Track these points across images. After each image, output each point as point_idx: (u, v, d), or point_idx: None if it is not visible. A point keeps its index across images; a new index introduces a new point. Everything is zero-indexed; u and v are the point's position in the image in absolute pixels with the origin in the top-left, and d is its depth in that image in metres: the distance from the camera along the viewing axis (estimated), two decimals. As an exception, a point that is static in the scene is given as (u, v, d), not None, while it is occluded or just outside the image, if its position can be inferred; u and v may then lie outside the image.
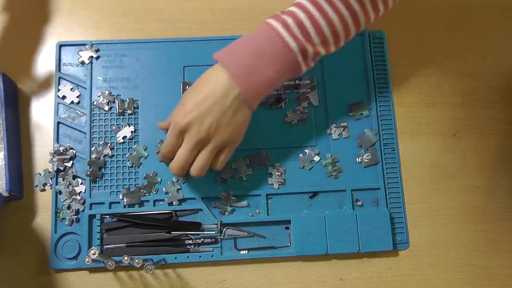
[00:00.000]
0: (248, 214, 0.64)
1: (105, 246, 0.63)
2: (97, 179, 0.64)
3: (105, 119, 0.66)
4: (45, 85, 0.68)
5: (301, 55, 0.56)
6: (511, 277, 0.65)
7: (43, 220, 0.64)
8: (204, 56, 0.68)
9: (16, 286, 0.62)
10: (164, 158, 0.62)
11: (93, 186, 0.64)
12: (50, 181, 0.64)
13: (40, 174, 0.65)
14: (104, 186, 0.65)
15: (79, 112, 0.66)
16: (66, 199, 0.63)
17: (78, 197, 0.63)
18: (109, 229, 0.63)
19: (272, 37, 0.56)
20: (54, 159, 0.64)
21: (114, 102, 0.67)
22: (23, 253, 0.63)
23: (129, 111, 0.67)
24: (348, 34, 0.57)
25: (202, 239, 0.63)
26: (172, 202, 0.64)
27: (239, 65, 0.56)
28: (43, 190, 0.64)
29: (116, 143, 0.66)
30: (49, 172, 0.64)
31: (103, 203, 0.64)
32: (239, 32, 0.70)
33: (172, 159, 0.60)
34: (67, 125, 0.66)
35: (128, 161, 0.65)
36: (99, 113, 0.66)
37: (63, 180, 0.64)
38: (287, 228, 0.65)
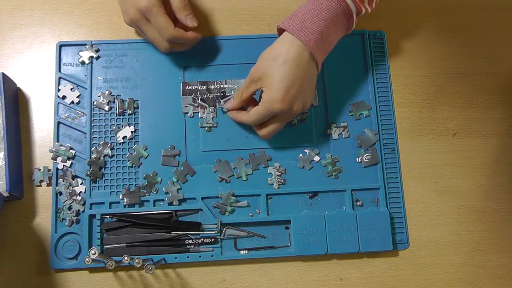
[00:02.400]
0: (248, 214, 0.64)
1: (105, 246, 0.63)
2: (97, 179, 0.64)
3: (105, 119, 0.66)
4: (45, 85, 0.68)
5: (355, 14, 0.61)
6: (511, 277, 0.65)
7: (43, 220, 0.64)
8: (204, 56, 0.69)
9: (16, 286, 0.62)
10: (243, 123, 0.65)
11: (93, 186, 0.64)
12: (48, 180, 0.64)
13: (39, 170, 0.65)
14: (104, 186, 0.65)
15: (79, 112, 0.66)
16: (67, 200, 0.63)
17: (79, 198, 0.63)
18: (109, 229, 0.63)
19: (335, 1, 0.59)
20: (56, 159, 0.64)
21: (114, 102, 0.67)
22: (23, 253, 0.63)
23: (129, 111, 0.67)
24: None
25: (202, 239, 0.63)
26: (172, 202, 0.64)
27: (310, 31, 0.59)
28: (39, 186, 0.65)
29: (116, 143, 0.66)
30: (48, 170, 0.64)
31: (103, 203, 0.64)
32: (239, 32, 0.71)
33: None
34: (67, 125, 0.66)
35: (128, 161, 0.65)
36: (99, 113, 0.66)
37: (63, 181, 0.64)
38: (287, 228, 0.65)
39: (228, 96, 0.67)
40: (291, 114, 0.61)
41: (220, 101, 0.67)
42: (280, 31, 0.61)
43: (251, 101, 0.65)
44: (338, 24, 0.60)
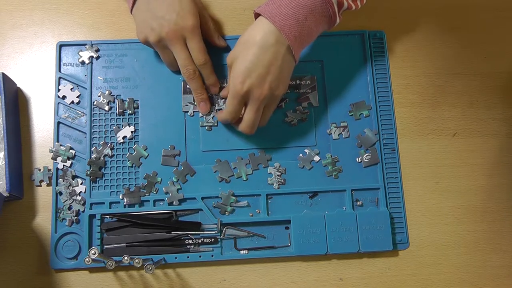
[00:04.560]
0: (248, 214, 0.64)
1: (105, 246, 0.63)
2: (97, 179, 0.64)
3: (105, 119, 0.66)
4: (45, 85, 0.68)
5: (337, 7, 0.59)
6: (511, 277, 0.65)
7: (43, 220, 0.64)
8: (204, 56, 0.69)
9: (16, 286, 0.62)
10: (227, 122, 0.64)
11: (93, 186, 0.64)
12: (48, 179, 0.64)
13: (39, 170, 0.65)
14: (104, 186, 0.65)
15: (79, 112, 0.67)
16: (67, 200, 0.63)
17: (79, 198, 0.63)
18: (109, 229, 0.63)
19: None
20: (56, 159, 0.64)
21: (114, 102, 0.67)
22: (23, 253, 0.63)
23: (129, 111, 0.67)
24: None
25: (202, 239, 0.63)
26: (172, 202, 0.64)
27: (285, 16, 0.57)
28: (39, 186, 0.65)
29: (116, 143, 0.66)
30: (48, 170, 0.64)
31: (103, 203, 0.64)
32: (239, 32, 0.71)
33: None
34: (67, 125, 0.66)
35: (128, 161, 0.65)
36: (99, 113, 0.66)
37: (63, 181, 0.64)
38: (287, 228, 0.65)
39: None
40: (257, 99, 0.59)
41: (219, 102, 0.67)
42: (257, 16, 0.60)
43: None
44: (317, 14, 0.58)
